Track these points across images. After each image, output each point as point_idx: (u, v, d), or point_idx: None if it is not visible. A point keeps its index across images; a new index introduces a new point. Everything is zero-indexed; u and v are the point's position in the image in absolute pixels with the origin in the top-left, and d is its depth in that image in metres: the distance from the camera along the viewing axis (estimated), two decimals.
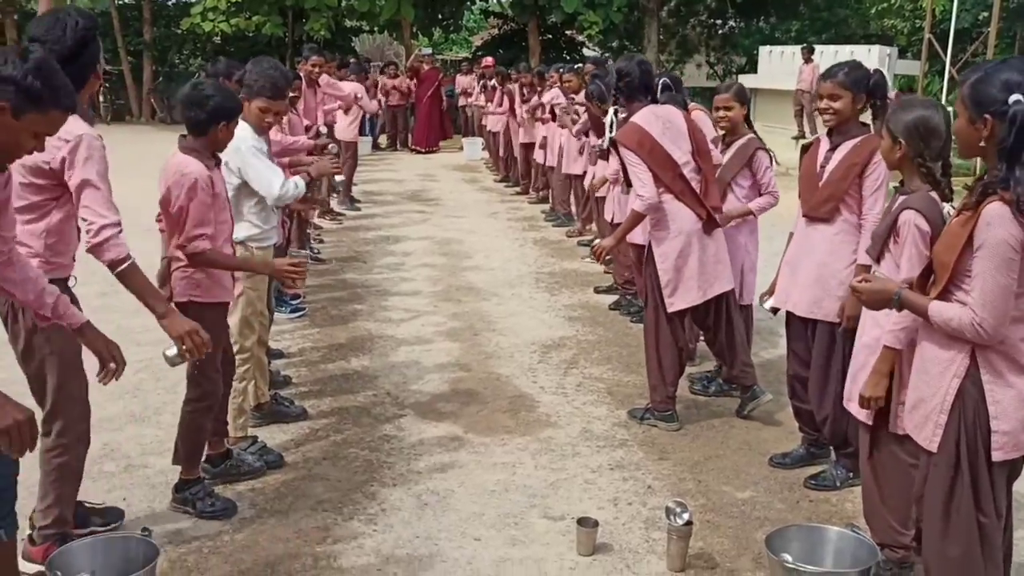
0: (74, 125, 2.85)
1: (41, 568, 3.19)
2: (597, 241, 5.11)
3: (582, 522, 3.50)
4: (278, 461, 4.15)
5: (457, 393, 5.14)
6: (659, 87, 5.97)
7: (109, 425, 4.60)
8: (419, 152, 17.53)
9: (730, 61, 25.21)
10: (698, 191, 4.58)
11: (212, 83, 3.69)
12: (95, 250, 3.03)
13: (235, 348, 4.19)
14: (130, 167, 7.44)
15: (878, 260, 3.16)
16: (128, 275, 3.12)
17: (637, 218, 4.59)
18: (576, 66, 10.25)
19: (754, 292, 5.05)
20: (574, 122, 8.46)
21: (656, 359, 4.67)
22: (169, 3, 24.46)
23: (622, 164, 4.69)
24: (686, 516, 3.38)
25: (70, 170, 2.96)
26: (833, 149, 3.88)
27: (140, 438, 4.47)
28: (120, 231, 3.04)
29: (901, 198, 3.09)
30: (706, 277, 4.58)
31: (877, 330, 3.11)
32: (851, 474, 4.03)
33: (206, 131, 3.55)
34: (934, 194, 3.03)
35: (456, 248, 9.00)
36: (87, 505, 3.62)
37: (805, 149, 4.12)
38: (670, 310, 4.59)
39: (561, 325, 6.48)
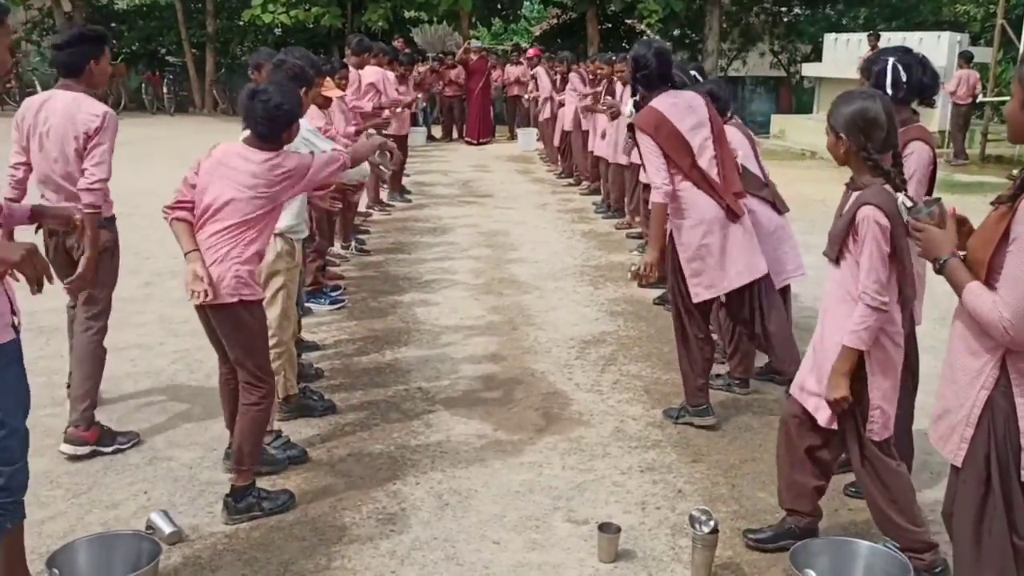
0: (100, 105, 4.08)
1: (94, 447, 4.16)
2: (636, 263, 4.77)
3: (604, 528, 3.36)
4: (301, 456, 4.10)
5: (490, 389, 5.04)
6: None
7: (139, 416, 4.62)
8: (472, 144, 17.46)
9: (794, 49, 24.57)
10: (716, 178, 4.40)
11: (275, 88, 3.58)
12: (85, 191, 3.97)
13: (272, 341, 4.15)
14: (192, 156, 7.47)
15: (837, 261, 3.04)
16: (91, 218, 3.87)
17: (661, 211, 4.35)
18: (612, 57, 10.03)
19: (788, 270, 4.84)
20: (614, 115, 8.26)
21: (684, 350, 4.53)
22: None
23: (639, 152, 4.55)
24: (711, 524, 3.22)
25: (96, 134, 4.00)
26: None
27: (168, 430, 4.46)
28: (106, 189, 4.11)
29: (854, 194, 2.99)
30: (732, 266, 4.40)
31: (834, 298, 3.05)
32: None
33: (279, 137, 3.52)
34: (887, 187, 2.92)
35: (502, 240, 8.90)
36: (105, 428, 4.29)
37: None
38: (695, 300, 4.43)
39: (602, 320, 6.33)
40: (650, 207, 4.55)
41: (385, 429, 4.48)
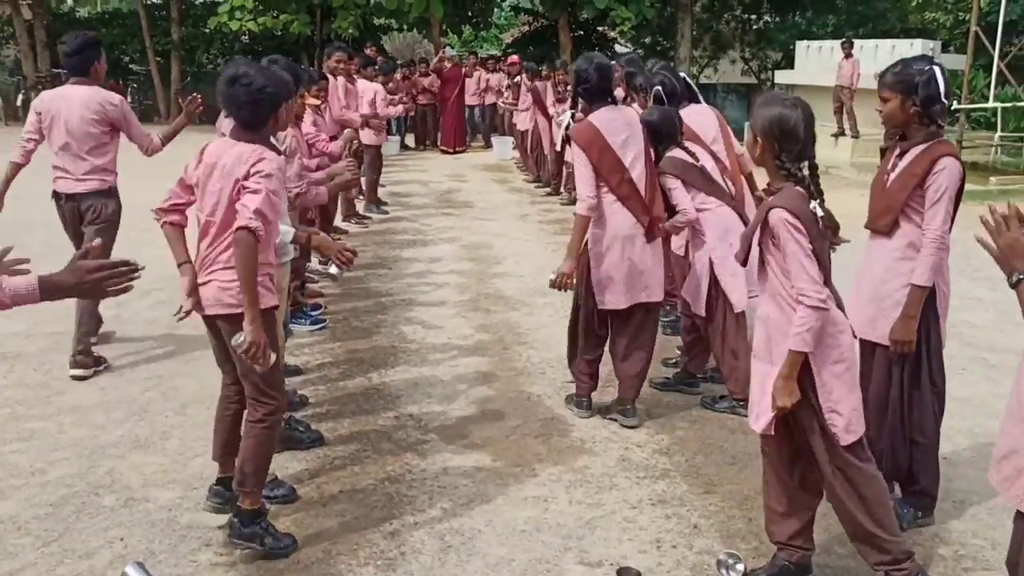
0: (115, 95, 5.34)
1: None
2: (555, 272, 4.74)
3: (623, 573, 3.14)
4: (290, 495, 3.82)
5: (485, 415, 4.79)
6: (652, 96, 5.63)
7: (112, 452, 4.31)
8: (447, 152, 17.21)
9: (765, 57, 24.61)
10: (645, 196, 4.50)
11: (256, 71, 3.28)
12: (149, 153, 5.67)
13: None
14: (156, 167, 7.21)
15: (745, 261, 3.08)
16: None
17: (584, 223, 4.51)
18: None
19: (743, 296, 4.70)
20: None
21: (572, 342, 4.83)
22: (196, 2, 24.33)
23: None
24: (740, 568, 3.01)
25: (125, 118, 5.35)
26: (901, 155, 3.50)
27: (143, 467, 4.15)
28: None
29: (769, 199, 2.97)
30: (633, 283, 4.54)
31: (771, 307, 2.98)
32: (919, 513, 3.65)
33: (265, 122, 3.30)
34: (799, 189, 2.91)
35: (485, 253, 8.66)
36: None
37: (883, 152, 3.75)
38: (600, 307, 4.62)
39: None
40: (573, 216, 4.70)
41: (377, 462, 4.22)
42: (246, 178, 3.16)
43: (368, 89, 9.75)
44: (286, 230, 3.83)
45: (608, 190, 4.44)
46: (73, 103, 5.14)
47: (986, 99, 14.40)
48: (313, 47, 21.82)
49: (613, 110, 4.51)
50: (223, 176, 3.22)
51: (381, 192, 11.30)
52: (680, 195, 4.71)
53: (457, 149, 17.29)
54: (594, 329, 4.72)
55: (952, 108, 15.21)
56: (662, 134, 5.20)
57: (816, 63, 18.15)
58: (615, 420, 4.69)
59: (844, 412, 2.92)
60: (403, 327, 6.33)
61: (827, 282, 2.94)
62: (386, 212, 10.80)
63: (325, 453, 4.30)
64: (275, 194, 3.19)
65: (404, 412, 4.83)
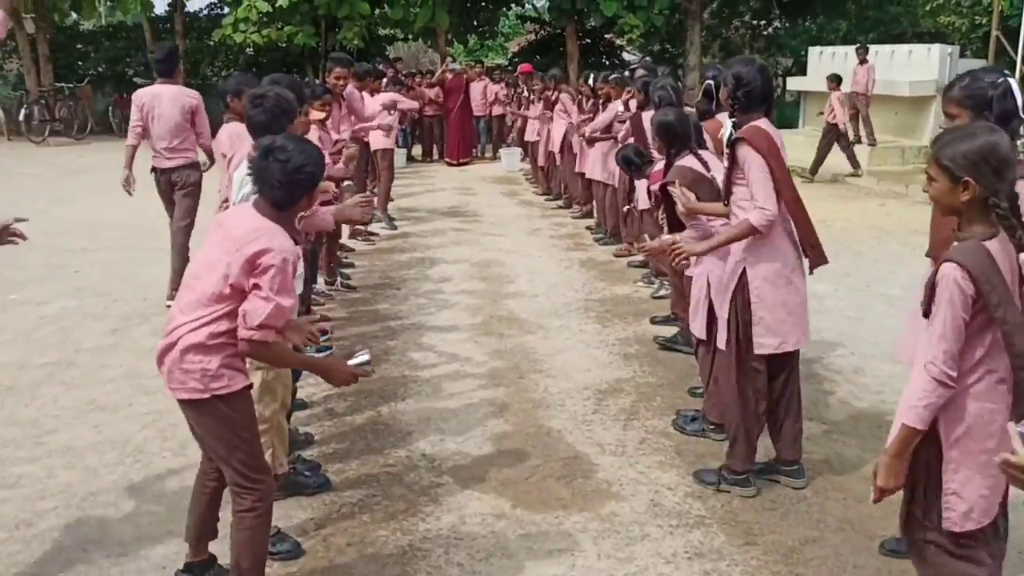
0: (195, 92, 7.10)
1: None
2: (667, 239, 4.23)
3: None
4: (294, 551, 3.51)
5: (502, 454, 4.48)
6: (703, 91, 5.33)
7: (105, 499, 4.01)
8: (452, 164, 16.94)
9: (775, 63, 24.31)
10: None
11: (295, 146, 2.89)
12: (204, 146, 7.16)
13: None
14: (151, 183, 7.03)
15: (927, 313, 2.55)
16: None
17: (749, 232, 3.80)
18: (613, 75, 9.52)
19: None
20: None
21: (737, 409, 4.01)
22: (201, 15, 24.14)
23: (728, 173, 3.97)
24: None
25: (198, 110, 7.00)
26: None
27: (137, 518, 3.85)
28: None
29: (951, 250, 2.53)
30: (799, 322, 3.96)
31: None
32: None
33: (297, 203, 2.92)
34: (992, 241, 2.45)
35: (496, 271, 8.35)
36: None
37: None
38: (757, 351, 3.93)
39: (616, 364, 5.79)
40: (739, 225, 3.88)
41: (388, 509, 3.91)
42: (252, 268, 2.77)
43: (380, 99, 9.51)
44: None
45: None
46: (164, 98, 6.86)
47: None
48: (318, 59, 21.54)
49: (768, 123, 3.91)
50: (226, 242, 2.83)
51: (389, 207, 11.00)
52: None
53: (462, 161, 17.02)
54: (757, 381, 4.01)
55: None
56: (675, 136, 4.90)
57: (830, 69, 17.77)
58: (776, 481, 4.13)
59: (966, 497, 2.56)
60: (413, 354, 6.03)
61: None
62: (394, 228, 10.51)
63: (332, 499, 3.99)
64: (286, 293, 2.80)
65: (416, 450, 4.52)
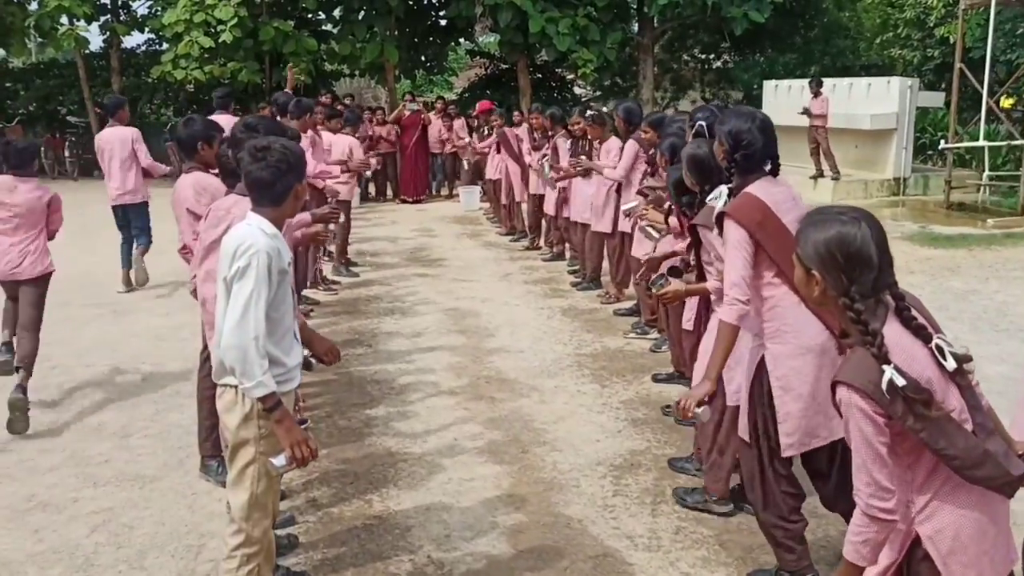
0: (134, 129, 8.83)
1: None
2: (679, 399, 3.56)
3: None
4: None
5: (522, 555, 3.87)
6: (694, 132, 4.85)
7: None
8: (407, 202, 16.34)
9: (726, 96, 24.26)
10: None
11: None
12: (153, 168, 8.87)
13: (238, 539, 2.96)
14: (100, 229, 6.26)
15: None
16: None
17: (731, 334, 3.33)
18: (593, 111, 9.02)
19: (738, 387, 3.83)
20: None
21: (763, 505, 3.47)
22: (139, 51, 23.22)
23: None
24: None
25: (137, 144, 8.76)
26: None
27: None
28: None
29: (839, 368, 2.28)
30: (831, 412, 3.38)
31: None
32: None
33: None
34: (879, 348, 2.14)
35: (473, 323, 7.75)
36: None
37: None
38: (785, 453, 3.38)
39: (626, 432, 5.23)
40: (719, 333, 3.39)
41: None
42: None
43: (340, 143, 8.90)
44: None
45: (787, 287, 3.26)
46: (114, 139, 8.66)
47: (972, 137, 13.99)
48: (263, 96, 20.83)
49: (773, 181, 3.42)
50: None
51: (348, 251, 10.36)
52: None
53: (418, 198, 16.44)
54: (786, 481, 3.47)
55: (940, 148, 14.82)
56: (710, 171, 4.35)
57: (786, 102, 17.70)
58: None
59: None
60: (398, 424, 5.39)
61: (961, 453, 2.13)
62: (356, 275, 9.86)
63: None
64: None
65: (420, 552, 3.89)
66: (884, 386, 2.09)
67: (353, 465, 4.81)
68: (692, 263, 4.37)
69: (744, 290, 3.28)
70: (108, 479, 4.68)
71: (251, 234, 2.93)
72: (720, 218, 3.40)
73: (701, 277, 4.20)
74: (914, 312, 2.23)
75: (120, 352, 6.90)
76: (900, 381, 2.07)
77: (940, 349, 2.18)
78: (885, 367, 2.10)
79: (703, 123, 4.90)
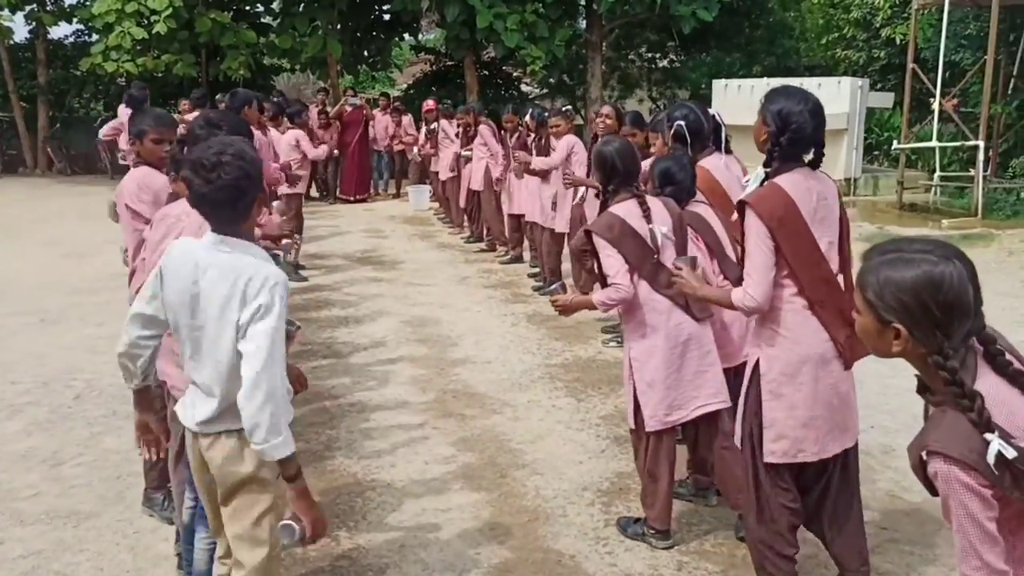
0: None
1: None
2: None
3: None
4: None
5: None
6: (672, 133, 4.56)
7: None
8: (348, 201, 15.77)
9: (673, 95, 24.15)
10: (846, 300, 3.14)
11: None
12: None
13: None
14: (25, 230, 5.63)
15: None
16: None
17: (729, 306, 3.19)
18: (565, 108, 8.69)
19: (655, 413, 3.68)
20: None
21: (764, 536, 3.21)
22: (66, 43, 22.15)
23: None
24: None
25: None
26: None
27: None
28: None
29: (931, 415, 1.93)
30: (828, 425, 3.15)
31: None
32: None
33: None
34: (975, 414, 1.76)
35: (435, 332, 7.33)
36: None
37: None
38: (766, 459, 3.16)
39: (611, 452, 4.87)
40: (726, 293, 3.23)
41: None
42: None
43: (286, 138, 8.39)
44: None
45: (796, 291, 3.08)
46: None
47: (921, 138, 13.99)
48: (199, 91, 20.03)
49: (810, 175, 3.11)
50: None
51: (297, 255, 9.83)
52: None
53: (359, 197, 15.87)
54: (786, 494, 3.22)
55: (893, 149, 14.79)
56: (685, 185, 4.19)
57: (736, 101, 17.55)
58: None
59: None
60: (362, 446, 4.96)
61: None
62: (305, 279, 9.34)
63: None
64: None
65: None
66: (991, 459, 1.74)
67: (317, 496, 4.35)
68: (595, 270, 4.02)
69: (763, 289, 3.02)
70: (37, 516, 4.16)
71: (256, 265, 2.50)
72: (741, 206, 3.09)
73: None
74: (1008, 356, 1.89)
75: (49, 366, 6.31)
76: (1011, 453, 1.71)
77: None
78: (989, 436, 1.74)
79: (682, 123, 4.57)
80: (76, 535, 4.00)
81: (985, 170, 12.93)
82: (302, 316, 7.85)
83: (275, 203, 5.45)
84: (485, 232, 11.18)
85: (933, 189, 13.65)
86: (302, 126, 9.61)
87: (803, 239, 3.02)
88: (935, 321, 1.79)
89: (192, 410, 2.63)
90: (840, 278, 3.16)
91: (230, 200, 2.49)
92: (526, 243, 9.96)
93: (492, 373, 6.23)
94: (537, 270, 9.16)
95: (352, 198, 15.85)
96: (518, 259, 10.14)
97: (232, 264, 2.50)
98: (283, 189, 8.60)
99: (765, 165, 3.14)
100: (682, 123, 4.52)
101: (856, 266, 1.98)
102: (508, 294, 8.70)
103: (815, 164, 3.13)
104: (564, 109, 8.29)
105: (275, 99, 12.36)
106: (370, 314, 7.90)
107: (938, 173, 13.41)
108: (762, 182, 3.15)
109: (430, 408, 5.56)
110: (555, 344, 6.94)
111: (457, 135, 11.67)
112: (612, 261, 3.68)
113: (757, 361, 3.16)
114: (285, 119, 10.07)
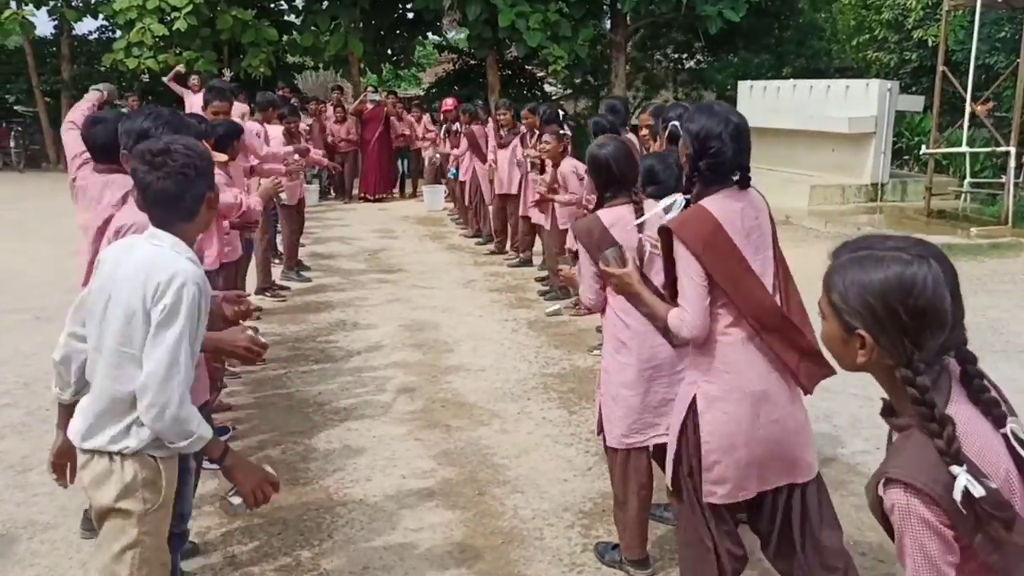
0: None
1: None
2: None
3: None
4: None
5: None
6: (667, 134, 4.33)
7: None
8: (369, 200, 15.62)
9: (699, 96, 23.81)
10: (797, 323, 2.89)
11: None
12: None
13: None
14: (38, 226, 5.51)
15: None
16: None
17: (665, 319, 2.90)
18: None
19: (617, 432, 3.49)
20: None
21: (690, 562, 3.00)
22: (90, 38, 22.24)
23: (667, 268, 3.01)
24: None
25: None
26: None
27: None
28: None
29: (893, 439, 1.72)
30: (768, 463, 2.86)
31: None
32: None
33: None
34: (941, 441, 1.53)
35: (432, 337, 7.12)
36: None
37: None
38: (706, 499, 2.89)
39: (597, 470, 4.64)
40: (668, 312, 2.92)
41: None
42: None
43: (273, 134, 8.20)
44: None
45: (732, 320, 2.82)
46: None
47: (952, 143, 13.57)
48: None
49: (736, 195, 2.86)
50: None
51: (301, 253, 9.67)
52: None
53: (379, 196, 15.72)
54: (729, 538, 2.97)
55: (921, 153, 14.36)
56: (669, 185, 3.90)
57: (761, 103, 17.24)
58: None
59: None
60: (339, 458, 4.76)
61: None
62: (308, 280, 9.18)
63: None
64: None
65: None
66: (957, 496, 1.50)
67: (283, 511, 4.16)
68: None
69: (700, 320, 2.78)
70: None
71: (172, 262, 2.36)
72: (665, 233, 2.84)
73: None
74: (985, 382, 1.65)
75: (34, 366, 6.18)
76: (978, 491, 1.48)
77: (1017, 437, 1.60)
78: (956, 469, 1.50)
79: (676, 123, 4.33)
80: (29, 548, 3.84)
81: (1017, 177, 12.50)
82: (301, 318, 7.69)
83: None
84: (493, 233, 10.97)
85: (963, 196, 13.22)
86: (290, 124, 9.31)
87: (733, 262, 2.77)
88: (903, 327, 1.57)
89: (75, 421, 2.49)
90: (776, 298, 2.90)
91: (176, 191, 2.40)
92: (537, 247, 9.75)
93: (485, 381, 6.01)
94: (545, 274, 8.93)
95: (373, 197, 15.68)
96: (527, 262, 9.91)
97: (151, 257, 2.35)
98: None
99: (684, 192, 2.91)
100: (676, 123, 4.28)
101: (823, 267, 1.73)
102: (512, 298, 8.47)
103: (743, 185, 2.87)
104: (560, 133, 7.80)
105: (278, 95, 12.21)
106: (368, 318, 7.71)
107: (968, 179, 12.98)
108: (684, 207, 2.90)
109: (416, 418, 5.35)
110: (553, 352, 6.70)
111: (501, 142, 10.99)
112: (585, 266, 3.46)
113: (694, 397, 2.87)
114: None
